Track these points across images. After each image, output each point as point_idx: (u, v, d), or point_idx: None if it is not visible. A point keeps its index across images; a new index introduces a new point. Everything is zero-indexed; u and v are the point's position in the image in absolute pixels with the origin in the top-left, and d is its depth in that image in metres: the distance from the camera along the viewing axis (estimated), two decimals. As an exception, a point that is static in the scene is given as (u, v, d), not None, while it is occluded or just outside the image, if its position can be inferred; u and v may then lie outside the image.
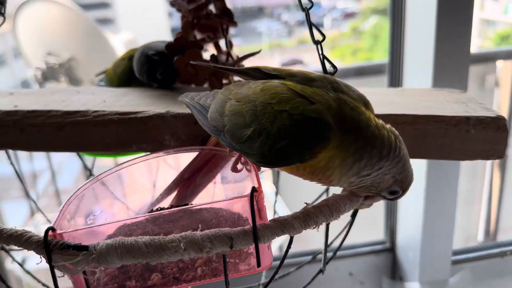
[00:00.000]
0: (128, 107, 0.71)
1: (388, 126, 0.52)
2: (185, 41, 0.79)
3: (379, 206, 1.45)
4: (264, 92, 0.52)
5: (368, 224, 1.35)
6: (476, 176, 2.15)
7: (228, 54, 0.84)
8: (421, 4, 1.11)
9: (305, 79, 0.54)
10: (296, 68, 0.59)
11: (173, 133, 0.68)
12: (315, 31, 0.62)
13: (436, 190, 1.22)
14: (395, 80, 1.31)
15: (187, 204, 0.65)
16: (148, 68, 0.80)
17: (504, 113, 2.11)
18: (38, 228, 2.05)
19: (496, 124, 0.64)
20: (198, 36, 0.82)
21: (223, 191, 0.68)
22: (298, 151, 0.49)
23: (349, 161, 0.50)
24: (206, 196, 0.68)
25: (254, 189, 0.48)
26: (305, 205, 0.52)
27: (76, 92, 0.80)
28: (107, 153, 0.74)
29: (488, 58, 1.88)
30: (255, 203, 0.48)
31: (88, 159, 1.02)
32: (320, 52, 0.61)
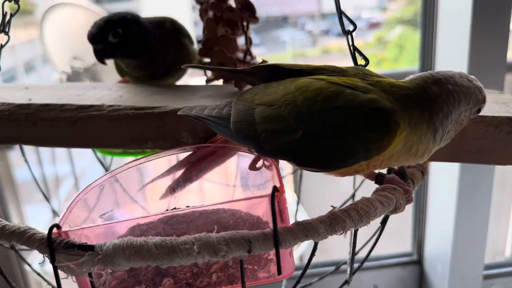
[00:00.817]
0: (144, 102, 0.67)
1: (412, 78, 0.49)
2: (214, 41, 0.75)
3: (407, 215, 1.39)
4: (302, 90, 0.47)
5: (395, 234, 1.29)
6: (506, 187, 2.06)
7: (247, 51, 0.80)
8: (454, 13, 1.05)
9: (337, 70, 0.50)
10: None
11: (191, 130, 0.65)
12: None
13: (468, 199, 1.15)
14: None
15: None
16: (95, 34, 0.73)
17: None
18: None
19: (541, 126, 0.58)
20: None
21: (242, 195, 0.63)
22: (364, 148, 0.45)
23: (430, 130, 0.47)
24: (225, 199, 0.63)
25: (275, 189, 0.44)
26: (331, 208, 0.47)
27: (92, 88, 0.77)
28: (122, 149, 0.71)
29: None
30: (276, 204, 0.44)
31: (108, 160, 0.99)
32: (352, 43, 0.56)
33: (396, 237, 1.35)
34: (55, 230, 0.44)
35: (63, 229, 0.45)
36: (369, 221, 0.48)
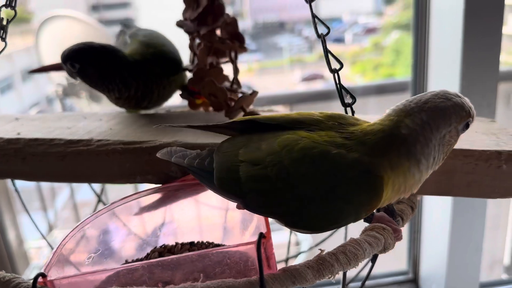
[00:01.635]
0: (133, 135, 0.67)
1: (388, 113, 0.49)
2: (205, 72, 0.75)
3: (402, 234, 1.38)
4: (287, 150, 0.46)
5: (390, 253, 1.28)
6: (501, 202, 2.06)
7: (234, 80, 0.80)
8: (447, 19, 1.05)
9: (314, 122, 0.49)
10: (291, 111, 0.54)
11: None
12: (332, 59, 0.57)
13: (462, 217, 1.15)
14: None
15: (191, 245, 0.60)
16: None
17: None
18: (55, 245, 2.04)
19: (531, 159, 0.58)
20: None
21: (237, 217, 0.63)
22: (355, 211, 0.45)
23: (412, 163, 0.46)
24: (219, 221, 0.63)
25: (261, 235, 0.44)
26: (319, 251, 0.47)
27: (83, 118, 0.77)
28: (111, 183, 0.70)
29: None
30: (263, 250, 0.44)
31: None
32: (338, 82, 0.56)
33: (391, 255, 1.34)
34: (40, 279, 0.44)
35: (49, 277, 0.45)
36: (358, 263, 0.48)
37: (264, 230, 0.45)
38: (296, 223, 0.46)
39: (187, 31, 0.78)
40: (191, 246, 0.61)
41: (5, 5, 0.63)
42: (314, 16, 0.57)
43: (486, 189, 0.60)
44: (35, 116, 0.79)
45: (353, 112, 0.57)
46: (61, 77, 2.54)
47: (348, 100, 0.56)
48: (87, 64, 0.72)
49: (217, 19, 0.76)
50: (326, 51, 0.57)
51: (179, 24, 0.78)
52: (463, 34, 0.97)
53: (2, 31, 0.61)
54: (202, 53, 0.76)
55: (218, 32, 0.78)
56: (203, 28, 0.76)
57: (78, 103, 2.71)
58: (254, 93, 0.72)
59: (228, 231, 0.64)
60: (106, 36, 2.41)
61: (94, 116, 0.78)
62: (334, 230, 0.80)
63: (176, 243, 0.61)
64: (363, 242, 0.49)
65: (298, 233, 1.34)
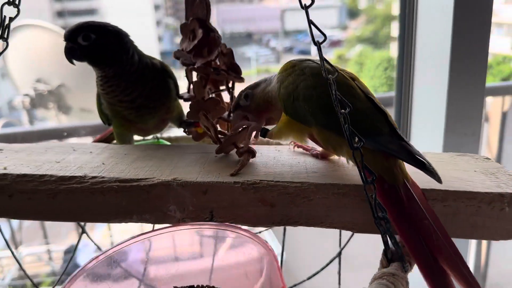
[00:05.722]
0: (129, 172, 0.65)
1: None
2: (201, 104, 0.73)
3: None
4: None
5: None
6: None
7: (230, 111, 0.79)
8: (434, 36, 1.05)
9: None
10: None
11: (179, 203, 0.62)
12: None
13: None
14: (404, 113, 1.23)
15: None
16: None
17: (494, 149, 2.09)
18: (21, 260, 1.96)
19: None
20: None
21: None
22: None
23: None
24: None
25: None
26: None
27: (71, 149, 0.74)
28: (105, 222, 0.68)
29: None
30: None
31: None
32: (334, 90, 0.55)
33: None
34: None
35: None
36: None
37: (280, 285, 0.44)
38: None
39: (183, 63, 0.76)
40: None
41: (8, 3, 0.60)
42: (310, 23, 0.55)
43: (489, 231, 0.61)
44: (18, 147, 0.75)
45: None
46: (28, 88, 2.45)
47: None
48: (105, 34, 0.74)
49: (212, 51, 0.75)
50: (322, 59, 0.56)
51: (177, 55, 0.77)
52: (451, 51, 0.98)
53: (5, 30, 0.59)
54: (198, 85, 0.74)
55: (215, 62, 0.77)
56: (198, 60, 0.74)
57: (46, 115, 2.63)
58: (245, 129, 0.71)
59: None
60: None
61: (83, 148, 0.75)
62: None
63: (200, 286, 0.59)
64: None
65: None
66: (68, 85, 2.43)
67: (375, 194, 0.54)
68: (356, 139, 0.55)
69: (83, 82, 2.44)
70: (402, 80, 1.18)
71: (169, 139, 0.98)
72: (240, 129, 0.72)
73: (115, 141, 0.95)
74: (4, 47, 0.66)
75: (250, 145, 0.70)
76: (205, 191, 0.62)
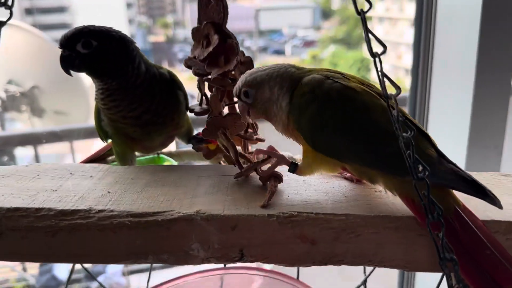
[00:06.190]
0: (142, 203, 0.55)
1: None
2: (220, 121, 0.64)
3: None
4: None
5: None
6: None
7: (249, 125, 0.71)
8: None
9: None
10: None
11: (204, 241, 0.53)
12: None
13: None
14: (421, 110, 1.15)
15: None
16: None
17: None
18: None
19: None
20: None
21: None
22: None
23: None
24: None
25: None
26: None
27: (68, 173, 0.64)
28: (114, 264, 0.58)
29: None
30: None
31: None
32: (395, 108, 0.47)
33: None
34: None
35: None
36: None
37: None
38: None
39: (196, 73, 0.67)
40: None
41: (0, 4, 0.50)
42: (368, 31, 0.46)
43: None
44: (5, 170, 0.64)
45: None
46: (-1, 89, 2.30)
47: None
48: (109, 40, 0.64)
49: (230, 60, 0.66)
50: (383, 75, 0.47)
51: (188, 64, 0.67)
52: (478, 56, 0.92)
53: None
54: (215, 99, 0.65)
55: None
56: (214, 70, 0.65)
57: (19, 118, 2.48)
58: (269, 159, 0.63)
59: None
60: (51, 47, 2.21)
61: (81, 171, 0.65)
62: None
63: None
64: None
65: None
66: (42, 86, 2.31)
67: (443, 232, 0.47)
68: (420, 167, 0.47)
69: (57, 84, 2.33)
70: (417, 89, 1.11)
71: (170, 154, 0.88)
72: (264, 158, 0.64)
73: (110, 158, 0.85)
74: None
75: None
76: (234, 227, 0.53)
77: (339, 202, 0.57)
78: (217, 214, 0.53)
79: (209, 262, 0.54)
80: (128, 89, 0.65)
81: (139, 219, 0.52)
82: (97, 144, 0.84)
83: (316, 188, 0.61)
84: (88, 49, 0.63)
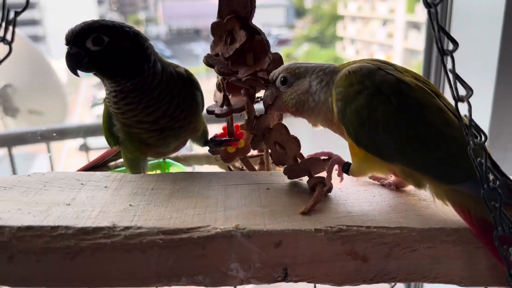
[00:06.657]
0: (171, 218, 0.49)
1: None
2: (265, 120, 0.59)
3: None
4: None
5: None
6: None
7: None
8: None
9: None
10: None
11: (244, 260, 0.47)
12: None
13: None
14: None
15: None
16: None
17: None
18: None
19: None
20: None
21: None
22: None
23: None
24: None
25: None
26: None
27: (78, 183, 0.57)
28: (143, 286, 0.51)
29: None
30: None
31: None
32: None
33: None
34: None
35: None
36: None
37: None
38: None
39: (220, 72, 0.61)
40: None
41: None
42: (440, 28, 0.41)
43: None
44: (4, 182, 0.56)
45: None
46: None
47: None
48: (122, 36, 0.57)
49: (260, 59, 0.60)
50: (454, 76, 0.41)
51: (209, 62, 0.61)
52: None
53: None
54: (249, 105, 0.60)
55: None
56: (242, 70, 0.59)
57: (-9, 117, 2.36)
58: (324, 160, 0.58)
59: None
60: (26, 44, 2.11)
61: (92, 180, 0.58)
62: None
63: None
64: None
65: None
66: (16, 85, 2.21)
67: (516, 247, 0.42)
68: (491, 176, 0.43)
69: (32, 82, 2.24)
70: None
71: (176, 158, 0.82)
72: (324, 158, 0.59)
73: (112, 164, 0.79)
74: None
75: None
76: (279, 243, 0.47)
77: (386, 213, 0.52)
78: (259, 229, 0.47)
79: (249, 283, 0.49)
80: (144, 91, 0.58)
81: (172, 237, 0.46)
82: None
83: (356, 197, 0.56)
84: (99, 46, 0.56)
